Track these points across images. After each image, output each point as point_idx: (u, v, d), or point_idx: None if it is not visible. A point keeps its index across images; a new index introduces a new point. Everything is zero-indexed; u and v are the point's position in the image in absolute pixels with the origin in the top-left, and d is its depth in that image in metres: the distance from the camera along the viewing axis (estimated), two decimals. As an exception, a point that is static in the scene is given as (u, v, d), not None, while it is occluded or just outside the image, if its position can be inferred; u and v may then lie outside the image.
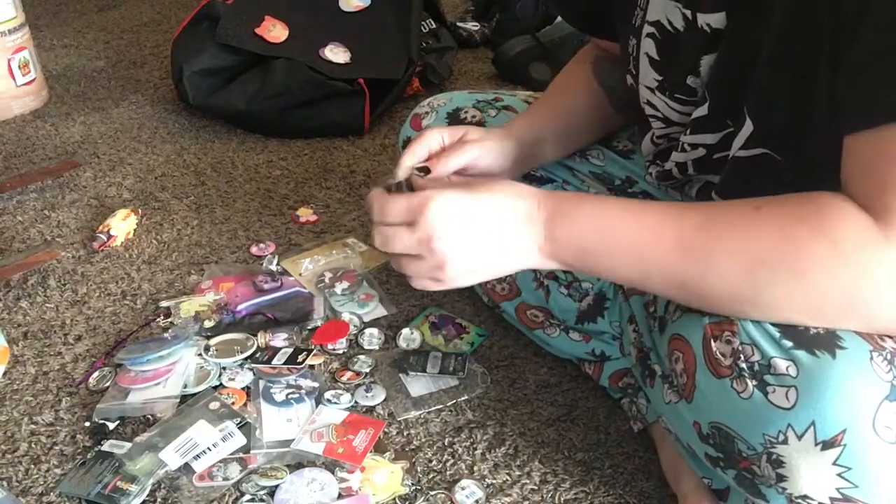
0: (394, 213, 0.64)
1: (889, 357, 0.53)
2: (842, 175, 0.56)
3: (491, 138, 0.82)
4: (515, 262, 0.65)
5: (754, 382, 0.56)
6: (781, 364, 0.55)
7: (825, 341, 0.54)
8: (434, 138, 0.79)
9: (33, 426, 0.88)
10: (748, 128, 0.65)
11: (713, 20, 0.66)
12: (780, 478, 0.56)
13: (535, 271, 0.95)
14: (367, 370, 0.95)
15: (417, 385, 0.93)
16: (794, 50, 0.59)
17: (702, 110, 0.71)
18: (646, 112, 0.79)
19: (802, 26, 0.58)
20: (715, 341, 0.59)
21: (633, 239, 0.61)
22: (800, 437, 0.54)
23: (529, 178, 0.95)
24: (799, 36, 0.59)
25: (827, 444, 0.53)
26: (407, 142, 1.04)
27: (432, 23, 1.82)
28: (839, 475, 0.54)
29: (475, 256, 0.63)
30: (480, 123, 0.98)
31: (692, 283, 0.59)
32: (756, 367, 0.56)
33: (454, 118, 1.00)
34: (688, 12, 0.68)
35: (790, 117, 0.62)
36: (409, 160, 0.76)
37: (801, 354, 0.54)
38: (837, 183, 0.57)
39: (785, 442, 0.55)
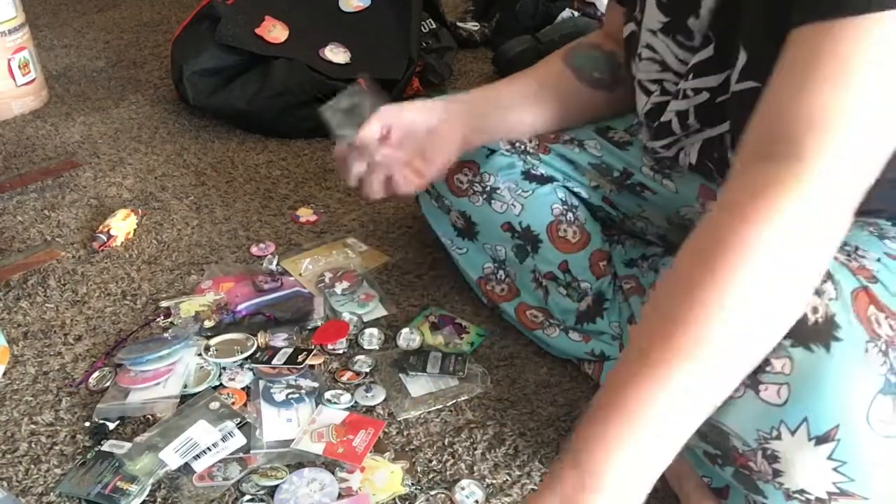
0: None
1: (883, 348, 0.53)
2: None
3: (414, 101, 0.88)
4: None
5: (746, 380, 0.56)
6: (777, 363, 0.55)
7: (822, 334, 0.54)
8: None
9: (33, 426, 0.88)
10: (742, 59, 0.66)
11: None
12: (777, 473, 0.56)
13: (532, 271, 0.95)
14: (367, 370, 0.95)
15: (417, 385, 0.93)
16: None
17: (707, 52, 0.71)
18: (642, 56, 0.80)
19: None
20: None
21: (671, 416, 0.53)
22: (793, 433, 0.54)
23: (530, 177, 0.95)
24: None
25: (820, 440, 0.53)
26: None
27: (432, 23, 1.82)
28: (835, 469, 0.54)
29: None
30: None
31: (731, 380, 0.55)
32: None
33: None
34: None
35: (775, 45, 0.62)
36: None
37: (796, 352, 0.54)
38: None
39: (778, 437, 0.55)
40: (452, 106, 0.88)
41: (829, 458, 0.53)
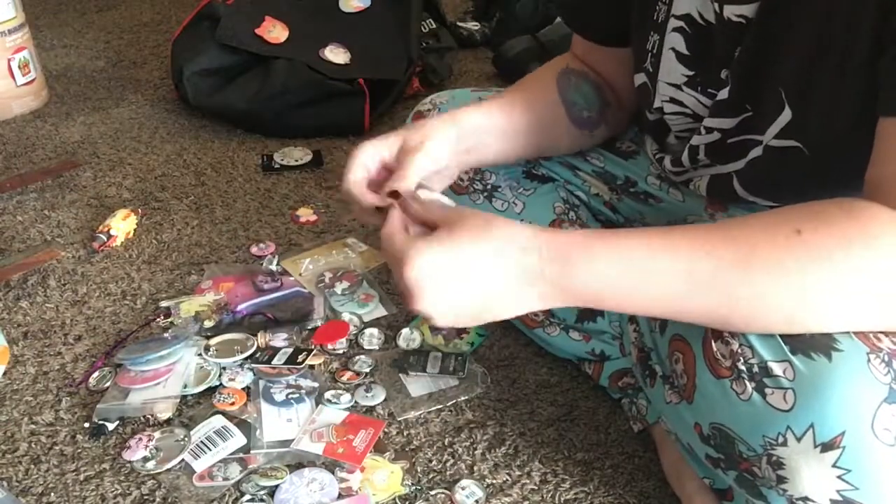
0: (390, 249, 0.62)
1: (886, 359, 0.53)
2: (872, 158, 0.56)
3: (433, 136, 0.76)
4: (513, 312, 0.60)
5: (753, 384, 0.56)
6: (777, 367, 0.55)
7: (821, 344, 0.54)
8: (367, 154, 0.75)
9: (33, 426, 0.88)
10: (786, 116, 0.65)
11: (746, 10, 0.65)
12: (781, 479, 0.56)
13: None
14: (367, 370, 0.95)
15: (417, 385, 0.93)
16: (836, 38, 0.59)
17: (722, 94, 0.70)
18: (665, 110, 0.78)
19: (847, 12, 0.58)
20: (715, 342, 0.59)
21: (666, 281, 0.56)
22: (799, 439, 0.54)
23: (531, 176, 0.95)
24: (843, 23, 0.58)
25: (826, 447, 0.53)
26: None
27: (432, 23, 1.82)
28: (839, 477, 0.54)
29: (458, 310, 0.60)
30: None
31: (736, 319, 0.57)
32: (755, 369, 0.56)
33: None
34: (715, 5, 0.68)
35: (827, 108, 0.62)
36: (353, 183, 0.73)
37: (796, 359, 0.54)
38: (858, 188, 0.57)
39: (784, 444, 0.55)
40: (457, 143, 0.78)
41: (834, 465, 0.53)
